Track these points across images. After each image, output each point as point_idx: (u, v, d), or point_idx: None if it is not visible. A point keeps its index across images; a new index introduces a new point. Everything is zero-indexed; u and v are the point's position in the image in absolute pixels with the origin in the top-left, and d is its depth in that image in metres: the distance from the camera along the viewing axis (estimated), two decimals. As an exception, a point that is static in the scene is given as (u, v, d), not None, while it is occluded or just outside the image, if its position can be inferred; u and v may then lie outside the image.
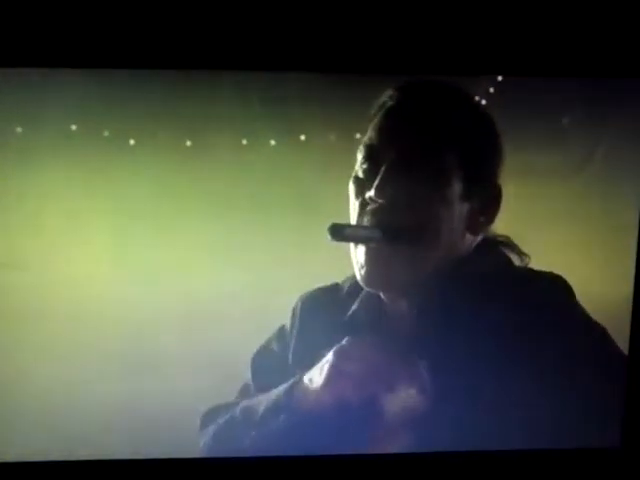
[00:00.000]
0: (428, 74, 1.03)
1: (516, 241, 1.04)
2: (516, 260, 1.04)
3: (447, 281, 1.02)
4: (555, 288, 1.03)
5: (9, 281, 1.04)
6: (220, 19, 1.00)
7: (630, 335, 1.08)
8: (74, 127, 1.01)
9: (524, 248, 1.03)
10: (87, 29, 0.99)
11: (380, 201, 0.99)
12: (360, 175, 1.01)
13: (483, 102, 1.03)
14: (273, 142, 1.03)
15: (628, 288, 1.09)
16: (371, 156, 1.00)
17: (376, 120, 1.01)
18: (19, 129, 1.01)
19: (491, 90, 1.03)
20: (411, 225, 1.00)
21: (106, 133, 1.02)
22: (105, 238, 1.04)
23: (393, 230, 0.99)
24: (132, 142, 1.02)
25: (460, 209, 1.00)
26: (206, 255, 1.05)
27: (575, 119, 1.05)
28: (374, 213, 0.99)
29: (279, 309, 1.07)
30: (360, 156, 1.01)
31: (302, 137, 1.03)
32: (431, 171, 0.99)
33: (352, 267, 1.02)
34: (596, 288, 1.05)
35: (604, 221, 1.08)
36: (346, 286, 1.06)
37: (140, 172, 1.03)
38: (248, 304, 1.05)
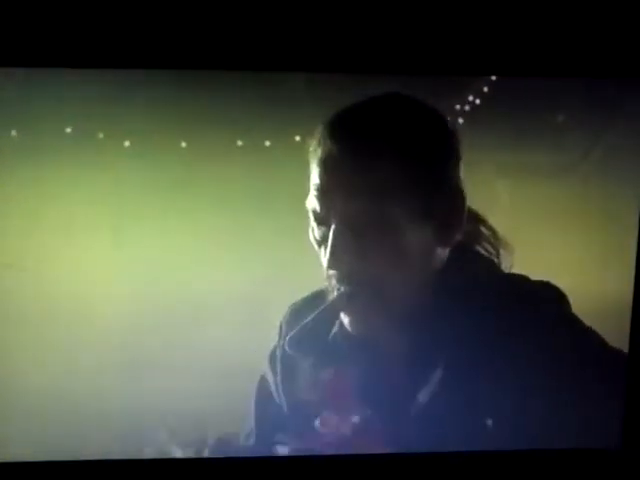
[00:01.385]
0: (426, 74, 1.02)
1: (515, 242, 1.03)
2: (501, 260, 1.03)
3: (430, 297, 1.01)
4: (547, 291, 1.02)
5: (7, 281, 1.04)
6: (216, 19, 1.00)
7: (630, 335, 1.08)
8: (69, 129, 1.01)
9: (522, 249, 1.02)
10: (79, 29, 0.98)
11: (335, 271, 0.98)
12: (316, 234, 0.99)
13: (469, 109, 1.01)
14: (268, 143, 1.02)
15: (628, 288, 1.08)
16: (317, 219, 0.98)
17: (312, 173, 0.98)
18: (14, 132, 1.01)
19: (485, 89, 1.02)
20: (373, 279, 0.98)
21: (101, 135, 1.01)
22: (101, 239, 1.04)
23: (356, 289, 0.99)
24: (127, 144, 1.02)
25: (424, 233, 0.98)
26: (202, 256, 1.05)
27: (572, 119, 1.05)
28: (334, 279, 0.99)
29: (275, 310, 1.07)
30: (309, 211, 0.99)
31: (297, 138, 1.02)
32: (381, 220, 0.96)
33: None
34: (596, 288, 1.05)
35: (604, 221, 1.07)
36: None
37: (135, 173, 1.03)
38: (245, 305, 1.05)
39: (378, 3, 1.00)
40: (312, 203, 0.98)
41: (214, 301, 1.05)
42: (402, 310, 1.01)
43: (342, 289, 0.99)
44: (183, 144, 1.02)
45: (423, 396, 1.03)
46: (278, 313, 1.07)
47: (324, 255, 0.99)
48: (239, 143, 1.02)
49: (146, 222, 1.04)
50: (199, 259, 1.05)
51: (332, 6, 1.00)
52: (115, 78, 1.00)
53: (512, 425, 1.05)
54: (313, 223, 0.99)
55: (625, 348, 1.07)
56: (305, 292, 1.06)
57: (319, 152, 0.97)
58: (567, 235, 1.06)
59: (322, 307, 1.02)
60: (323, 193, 0.97)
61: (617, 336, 1.04)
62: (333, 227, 0.97)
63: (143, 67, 0.99)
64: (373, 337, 1.04)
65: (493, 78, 1.02)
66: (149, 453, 1.08)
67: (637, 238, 1.07)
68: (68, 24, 0.98)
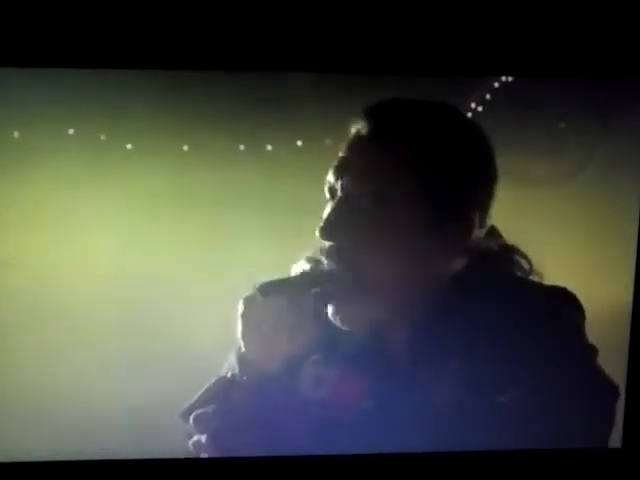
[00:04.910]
0: (427, 75, 1.02)
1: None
2: (520, 268, 1.02)
3: (419, 298, 1.00)
4: (561, 296, 1.01)
5: (7, 280, 1.04)
6: (219, 21, 1.00)
7: (630, 336, 1.08)
8: (71, 131, 1.01)
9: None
10: (83, 30, 0.99)
11: (324, 242, 0.97)
12: (325, 211, 0.98)
13: (472, 115, 1.01)
14: (270, 147, 1.03)
15: (628, 290, 1.08)
16: (328, 193, 0.98)
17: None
18: (16, 133, 1.01)
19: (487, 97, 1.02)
20: (357, 262, 0.97)
21: (103, 137, 1.02)
22: (102, 241, 1.04)
23: (338, 268, 0.97)
24: (129, 146, 1.02)
25: (420, 237, 0.97)
26: (203, 259, 1.05)
27: (573, 121, 1.05)
28: (321, 253, 0.98)
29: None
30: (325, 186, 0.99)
31: (299, 143, 1.02)
32: (381, 209, 0.95)
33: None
34: (596, 289, 1.05)
35: (604, 223, 1.07)
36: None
37: (137, 176, 1.03)
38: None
39: (381, 3, 1.01)
40: (328, 176, 0.98)
41: (214, 302, 1.05)
42: (375, 303, 1.00)
43: (325, 266, 0.97)
44: (185, 147, 1.02)
45: (407, 395, 1.03)
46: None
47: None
48: (241, 147, 1.02)
49: (146, 224, 1.04)
50: (199, 262, 1.05)
51: (335, 6, 1.00)
52: (117, 80, 1.00)
53: (512, 425, 1.04)
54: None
55: (625, 348, 1.07)
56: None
57: (352, 130, 0.98)
58: (567, 238, 1.06)
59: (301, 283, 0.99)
60: (339, 167, 0.98)
61: (617, 337, 1.05)
62: (336, 198, 0.97)
63: (146, 68, 1.00)
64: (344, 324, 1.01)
65: (496, 85, 1.02)
66: (149, 453, 1.08)
67: (637, 239, 1.07)
68: (73, 25, 0.98)
